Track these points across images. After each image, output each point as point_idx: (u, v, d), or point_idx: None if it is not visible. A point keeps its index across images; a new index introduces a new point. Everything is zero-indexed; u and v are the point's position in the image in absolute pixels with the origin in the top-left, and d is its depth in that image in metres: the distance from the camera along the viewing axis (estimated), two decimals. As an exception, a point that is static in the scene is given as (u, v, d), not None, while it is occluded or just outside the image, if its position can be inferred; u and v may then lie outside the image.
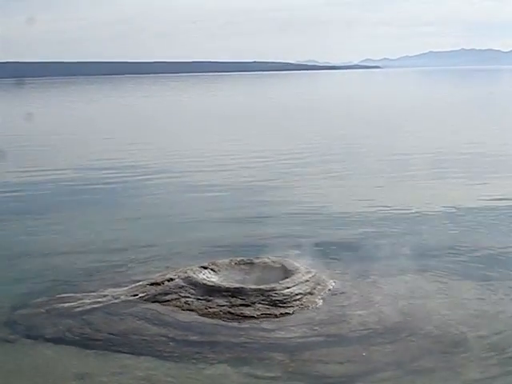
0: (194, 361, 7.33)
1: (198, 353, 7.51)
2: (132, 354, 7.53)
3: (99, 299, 9.02)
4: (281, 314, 8.43)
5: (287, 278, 9.18)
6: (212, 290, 8.89)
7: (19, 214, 15.28)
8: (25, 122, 44.36)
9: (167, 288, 9.12)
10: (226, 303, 8.61)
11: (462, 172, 19.46)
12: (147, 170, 21.43)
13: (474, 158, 22.25)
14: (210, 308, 8.58)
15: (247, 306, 8.55)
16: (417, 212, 14.24)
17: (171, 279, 9.32)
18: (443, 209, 14.53)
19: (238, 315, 8.40)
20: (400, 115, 45.10)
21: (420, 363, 7.19)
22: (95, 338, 7.97)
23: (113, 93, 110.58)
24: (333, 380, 6.91)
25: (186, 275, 9.30)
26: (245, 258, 10.10)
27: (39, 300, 9.18)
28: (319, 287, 9.15)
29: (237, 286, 8.98)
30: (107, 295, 9.16)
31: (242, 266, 9.85)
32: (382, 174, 19.53)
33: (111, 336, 7.99)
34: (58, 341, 7.92)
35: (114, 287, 9.51)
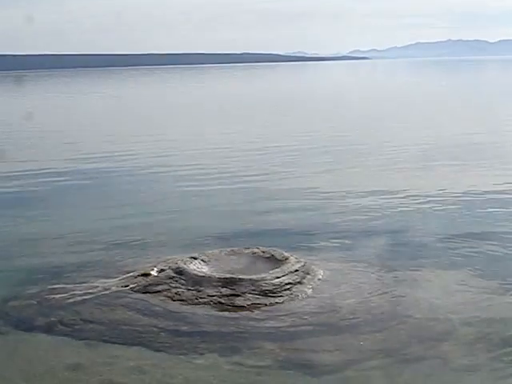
0: (185, 351, 7.37)
1: (188, 343, 7.55)
2: (123, 344, 7.56)
3: (90, 290, 9.04)
4: (271, 303, 8.48)
5: (277, 267, 9.23)
6: (202, 281, 8.92)
7: (9, 206, 15.26)
8: (12, 115, 44.15)
9: (158, 279, 9.16)
10: (216, 293, 8.65)
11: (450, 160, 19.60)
12: (136, 162, 21.39)
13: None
14: (201, 298, 8.61)
15: (237, 295, 8.58)
16: (408, 201, 14.30)
17: (162, 270, 9.35)
18: (435, 197, 14.60)
19: (228, 305, 8.45)
20: (396, 106, 45.18)
21: (409, 351, 7.24)
22: (86, 328, 8.00)
23: (103, 85, 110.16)
24: (323, 368, 6.94)
25: (176, 266, 9.32)
26: (235, 249, 10.13)
27: (30, 291, 9.18)
28: (309, 277, 9.19)
29: (227, 276, 9.02)
30: (98, 286, 9.17)
31: (232, 257, 9.88)
32: (373, 164, 19.60)
33: (102, 327, 8.02)
34: (49, 332, 7.93)
35: (105, 278, 9.53)
